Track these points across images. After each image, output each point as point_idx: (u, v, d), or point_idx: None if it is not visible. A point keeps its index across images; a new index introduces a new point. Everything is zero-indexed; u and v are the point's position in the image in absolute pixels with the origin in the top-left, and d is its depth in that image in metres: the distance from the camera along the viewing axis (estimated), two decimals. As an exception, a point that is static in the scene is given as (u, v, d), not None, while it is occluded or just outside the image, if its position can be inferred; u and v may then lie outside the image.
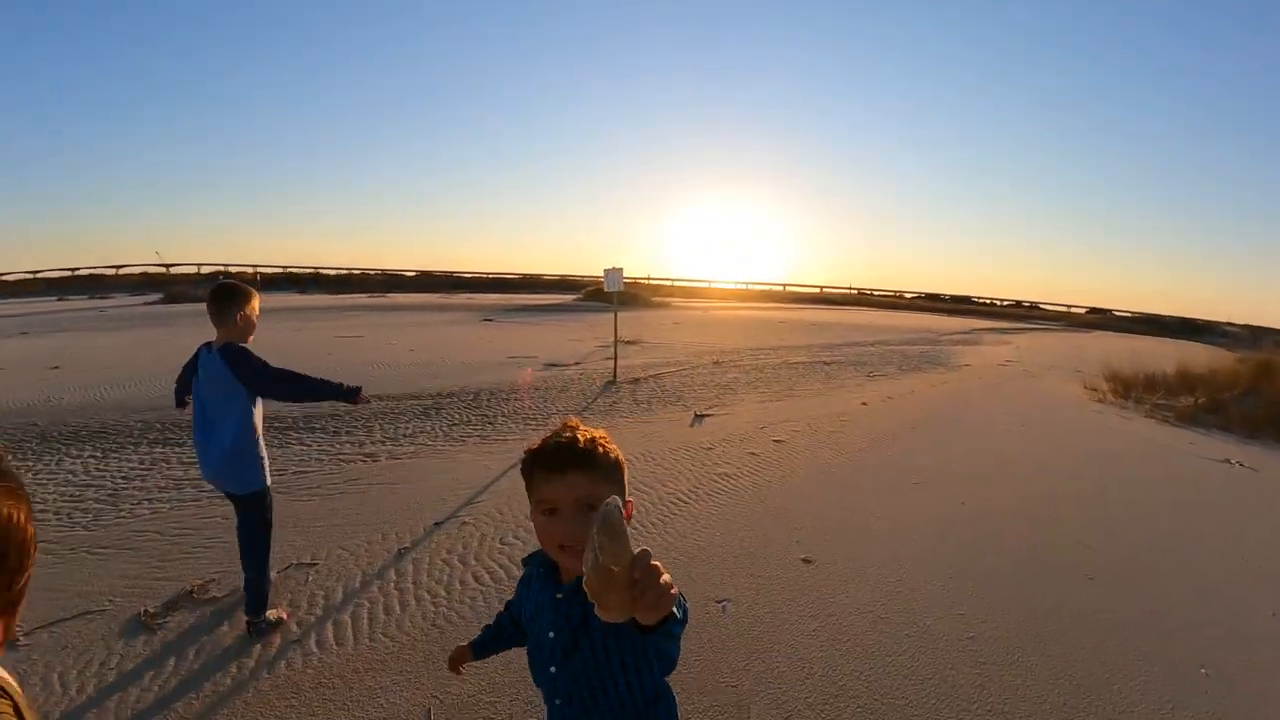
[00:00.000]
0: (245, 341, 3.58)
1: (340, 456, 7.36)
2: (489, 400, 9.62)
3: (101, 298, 28.76)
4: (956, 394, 12.41)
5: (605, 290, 10.89)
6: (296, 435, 7.98)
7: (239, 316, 3.54)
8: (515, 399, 9.72)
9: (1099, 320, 44.33)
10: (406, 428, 8.40)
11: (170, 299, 25.59)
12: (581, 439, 1.49)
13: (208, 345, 3.63)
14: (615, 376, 11.07)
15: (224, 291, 3.59)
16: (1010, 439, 9.17)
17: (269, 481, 3.72)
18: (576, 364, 12.87)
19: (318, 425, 8.34)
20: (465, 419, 8.76)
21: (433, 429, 8.35)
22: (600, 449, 1.49)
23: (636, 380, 11.22)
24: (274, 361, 3.57)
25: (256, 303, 3.66)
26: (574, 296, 29.47)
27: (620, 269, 10.72)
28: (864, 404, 10.67)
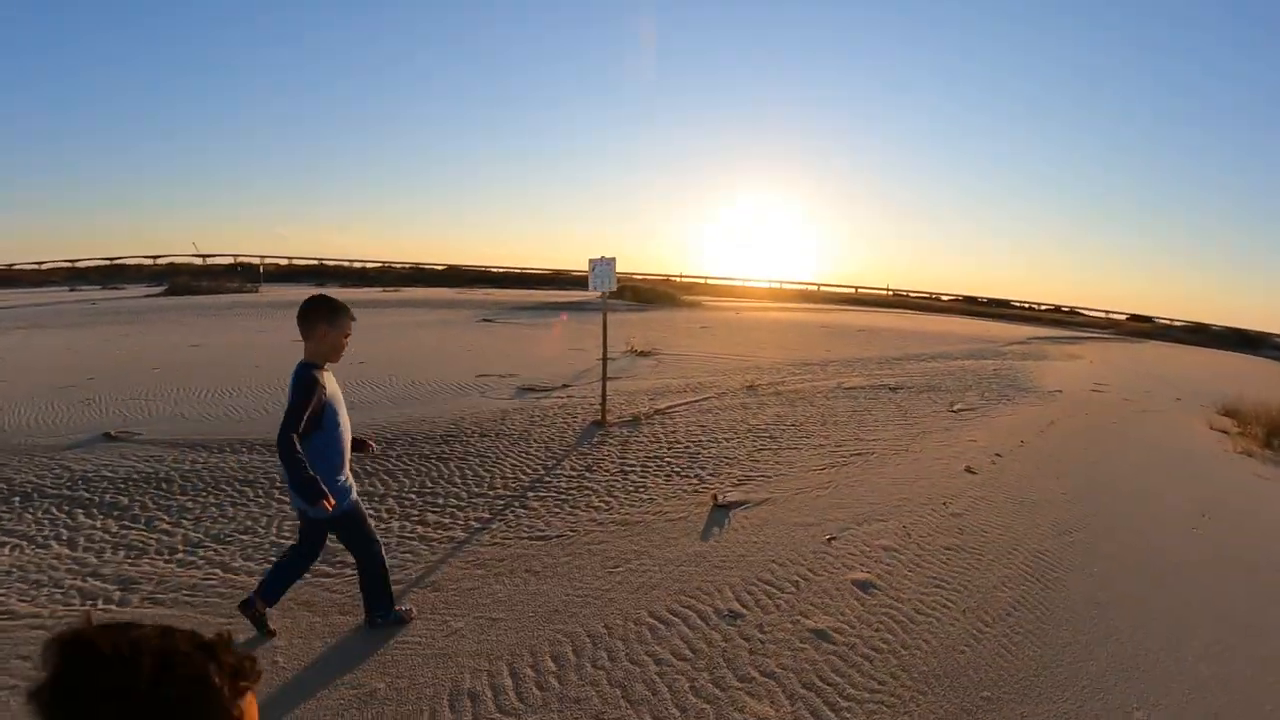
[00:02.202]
0: (330, 361, 3.16)
1: (59, 580, 3.59)
2: (396, 460, 5.69)
3: (114, 288, 25.61)
4: (1077, 445, 8.29)
5: (590, 289, 6.90)
6: (78, 520, 4.21)
7: (319, 333, 3.09)
8: (440, 459, 5.77)
9: (1147, 329, 39.02)
10: (227, 519, 4.60)
11: (172, 291, 22.26)
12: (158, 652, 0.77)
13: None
14: (604, 415, 7.03)
15: (306, 306, 3.14)
16: (1212, 558, 5.10)
17: (351, 500, 3.21)
18: (564, 387, 8.85)
19: (130, 498, 4.57)
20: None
21: (257, 528, 4.48)
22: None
23: (636, 420, 7.18)
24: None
25: (345, 321, 3.14)
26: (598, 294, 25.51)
27: (612, 259, 6.71)
28: (969, 470, 6.55)
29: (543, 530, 4.44)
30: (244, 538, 4.48)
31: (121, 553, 4.35)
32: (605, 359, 7.27)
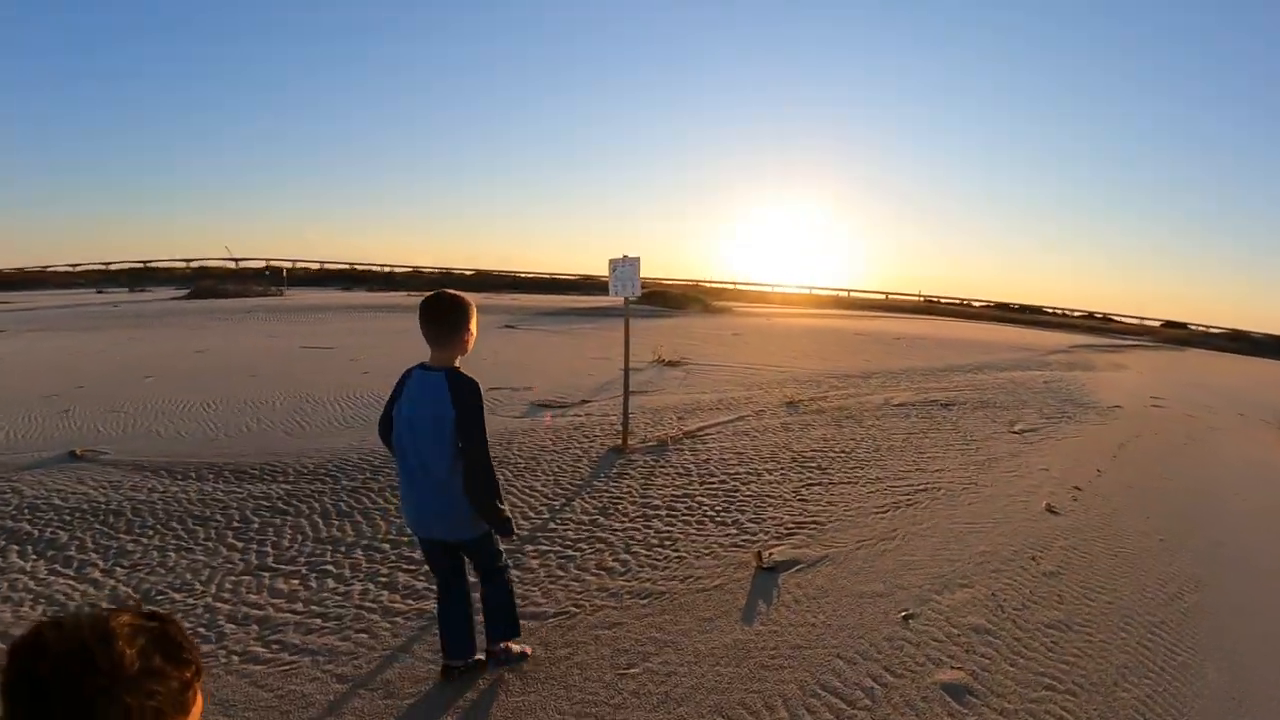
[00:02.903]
0: (465, 356, 2.65)
1: None
2: (376, 496, 4.75)
3: (141, 290, 25.22)
4: (1157, 472, 7.25)
5: (611, 294, 5.90)
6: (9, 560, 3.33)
7: (465, 336, 2.60)
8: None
9: (1185, 336, 36.99)
10: (165, 570, 3.72)
11: (196, 294, 21.73)
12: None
13: (423, 365, 2.62)
14: (625, 439, 5.99)
15: (445, 305, 2.57)
16: None
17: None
18: (583, 403, 7.86)
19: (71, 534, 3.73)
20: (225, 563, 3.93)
21: (195, 583, 3.56)
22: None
23: (661, 447, 6.15)
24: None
25: (475, 314, 2.64)
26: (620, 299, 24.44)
27: (635, 260, 5.68)
28: (1051, 510, 5.46)
29: (539, 604, 3.42)
30: (177, 596, 3.58)
31: (41, 606, 3.54)
32: (627, 372, 6.24)
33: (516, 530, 3.16)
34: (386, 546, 4.02)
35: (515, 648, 3.00)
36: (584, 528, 4.30)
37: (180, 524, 4.49)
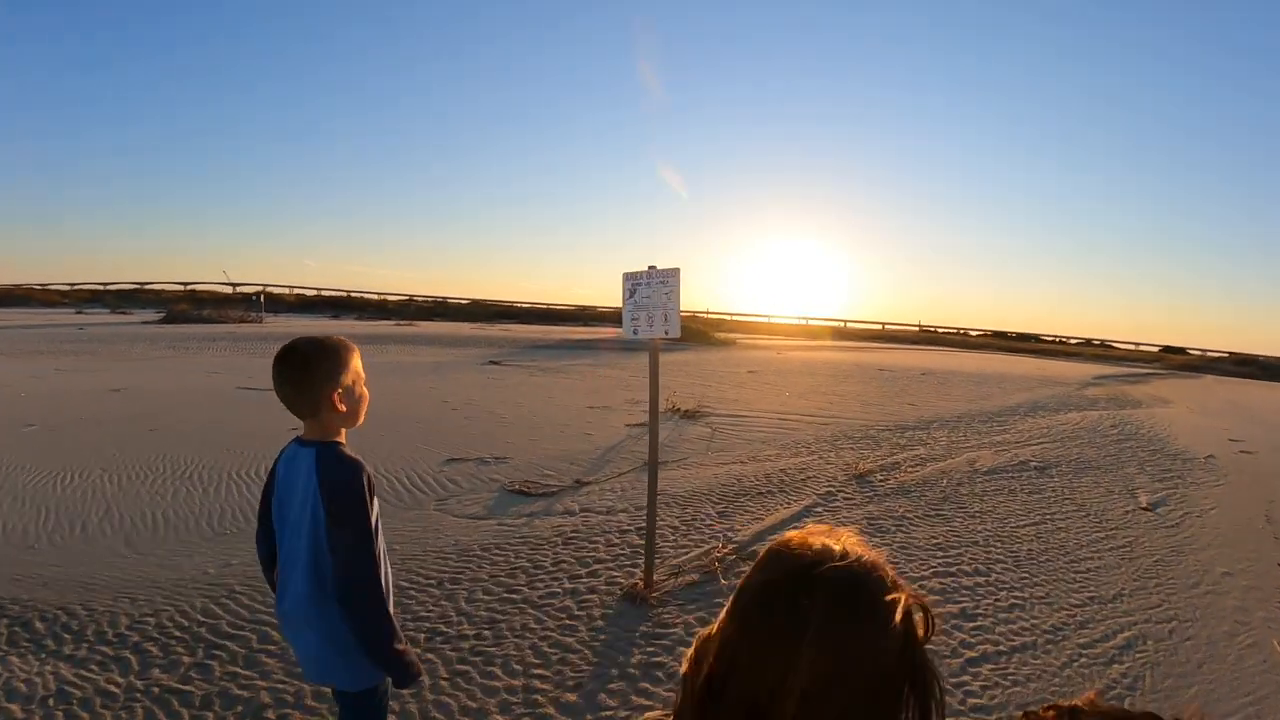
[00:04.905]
0: (353, 427, 1.64)
1: None
2: (111, 708, 2.38)
3: (122, 313, 22.89)
4: None
5: (628, 334, 3.57)
6: None
7: (329, 393, 1.55)
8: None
9: (1191, 361, 34.70)
10: None
11: (169, 319, 19.40)
12: None
13: (299, 439, 1.63)
14: (648, 575, 3.56)
15: (295, 362, 1.55)
16: None
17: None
18: (577, 485, 5.46)
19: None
20: None
21: None
22: None
23: (708, 584, 3.75)
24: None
25: (356, 361, 1.63)
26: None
27: (673, 272, 3.34)
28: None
29: None
30: None
31: None
32: (654, 461, 3.84)
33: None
34: None
35: None
36: None
37: None
